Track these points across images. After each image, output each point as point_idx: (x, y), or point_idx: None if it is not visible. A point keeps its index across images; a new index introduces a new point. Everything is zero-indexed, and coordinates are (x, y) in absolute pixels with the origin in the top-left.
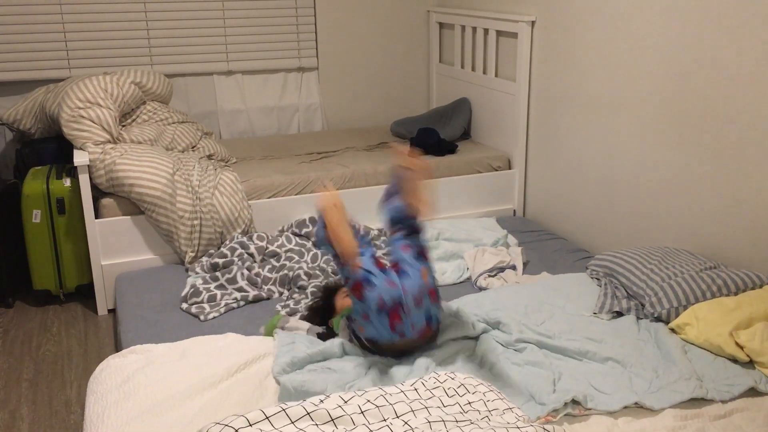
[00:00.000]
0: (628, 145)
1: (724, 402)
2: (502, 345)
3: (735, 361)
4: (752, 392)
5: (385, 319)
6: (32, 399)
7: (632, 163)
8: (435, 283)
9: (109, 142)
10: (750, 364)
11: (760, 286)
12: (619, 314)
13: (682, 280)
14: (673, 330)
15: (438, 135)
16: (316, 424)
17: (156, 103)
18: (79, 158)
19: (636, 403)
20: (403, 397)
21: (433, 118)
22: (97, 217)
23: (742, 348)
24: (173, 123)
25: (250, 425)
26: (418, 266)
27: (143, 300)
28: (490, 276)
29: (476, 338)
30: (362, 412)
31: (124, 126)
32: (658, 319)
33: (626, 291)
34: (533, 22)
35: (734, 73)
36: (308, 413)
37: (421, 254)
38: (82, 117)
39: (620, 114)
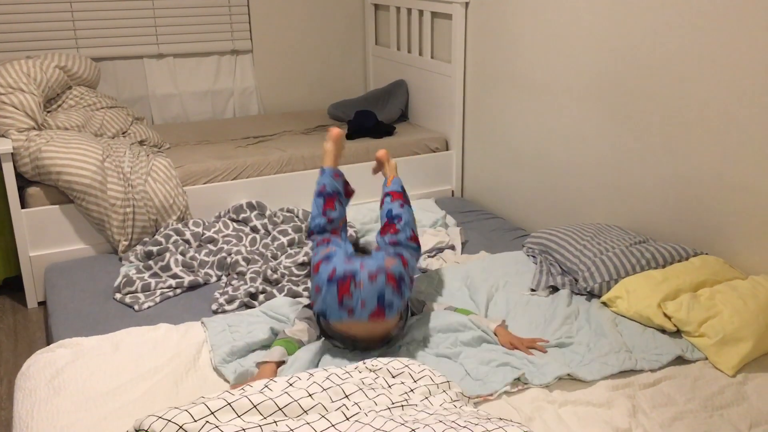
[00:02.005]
0: (562, 124)
1: (653, 371)
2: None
3: (663, 331)
4: (679, 360)
5: (335, 290)
6: None
7: (565, 143)
8: (401, 275)
9: (34, 128)
10: (677, 333)
11: (686, 259)
12: (556, 289)
13: (613, 255)
14: (605, 303)
15: (375, 117)
16: (264, 417)
17: (83, 87)
18: (2, 146)
19: (569, 375)
20: (348, 377)
21: (370, 101)
22: (23, 206)
23: (669, 318)
24: (102, 108)
25: (195, 421)
26: (386, 253)
27: (75, 291)
28: (429, 257)
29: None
30: (310, 395)
31: (49, 112)
32: (591, 293)
33: (561, 267)
34: (467, 4)
35: (663, 53)
36: (254, 406)
37: (401, 256)
38: (4, 103)
39: (553, 94)
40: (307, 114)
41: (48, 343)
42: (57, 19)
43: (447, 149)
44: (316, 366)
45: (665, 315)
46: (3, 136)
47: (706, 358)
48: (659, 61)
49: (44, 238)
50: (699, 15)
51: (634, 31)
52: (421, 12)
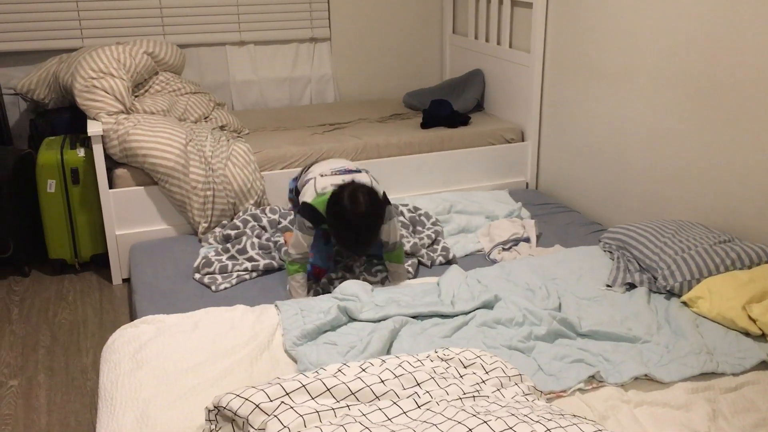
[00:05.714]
0: (642, 117)
1: (735, 375)
2: (503, 324)
3: (747, 334)
4: (764, 365)
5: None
6: (49, 366)
7: (645, 135)
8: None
9: (122, 112)
10: (762, 337)
11: None
12: (632, 286)
13: (696, 254)
14: (685, 303)
15: (451, 107)
16: (338, 400)
17: (168, 73)
18: (93, 128)
19: (646, 376)
20: (420, 365)
21: (446, 90)
22: (111, 187)
23: (754, 321)
24: (186, 94)
25: (270, 400)
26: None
27: (157, 270)
28: (504, 249)
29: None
30: (383, 382)
31: (136, 96)
32: (670, 292)
33: (639, 264)
34: None
35: (749, 42)
36: (328, 389)
37: None
38: (95, 87)
39: (634, 85)
40: (383, 102)
41: (131, 319)
42: (145, 6)
43: (522, 140)
44: (388, 353)
45: (750, 318)
46: (94, 119)
47: None
48: (749, 50)
49: (129, 218)
50: None
51: (724, 18)
52: (500, 0)
